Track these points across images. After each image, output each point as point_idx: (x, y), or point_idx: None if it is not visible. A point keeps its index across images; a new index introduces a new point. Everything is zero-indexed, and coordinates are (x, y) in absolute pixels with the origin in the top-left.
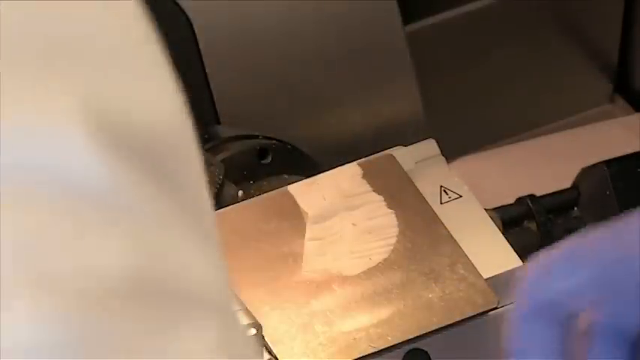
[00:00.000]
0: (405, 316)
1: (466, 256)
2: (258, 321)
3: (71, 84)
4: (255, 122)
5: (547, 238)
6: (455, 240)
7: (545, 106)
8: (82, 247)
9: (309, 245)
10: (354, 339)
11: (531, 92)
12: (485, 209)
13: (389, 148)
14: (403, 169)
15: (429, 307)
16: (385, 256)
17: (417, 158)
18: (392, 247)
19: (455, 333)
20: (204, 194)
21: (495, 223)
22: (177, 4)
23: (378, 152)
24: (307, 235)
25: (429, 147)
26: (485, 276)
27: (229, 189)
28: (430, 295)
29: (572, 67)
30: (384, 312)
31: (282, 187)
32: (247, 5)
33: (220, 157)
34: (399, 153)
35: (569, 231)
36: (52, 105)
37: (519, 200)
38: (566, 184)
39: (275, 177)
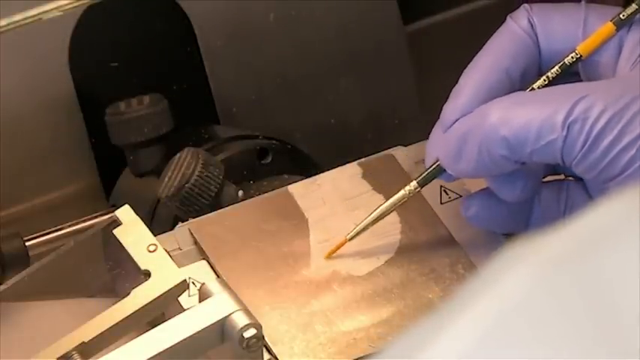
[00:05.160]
0: (405, 316)
1: (466, 256)
2: (258, 321)
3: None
4: (255, 122)
5: None
6: (455, 240)
7: None
8: None
9: (315, 247)
10: (354, 339)
11: None
12: None
13: (389, 148)
14: (403, 169)
15: (429, 307)
16: (392, 254)
17: (417, 158)
18: (397, 246)
19: None
20: None
21: None
22: (177, 4)
23: (378, 152)
24: (311, 236)
25: None
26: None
27: (229, 189)
28: (430, 295)
29: None
30: (384, 312)
31: (282, 187)
32: (247, 5)
33: (220, 157)
34: (399, 153)
35: None
36: None
37: None
38: None
39: (275, 177)
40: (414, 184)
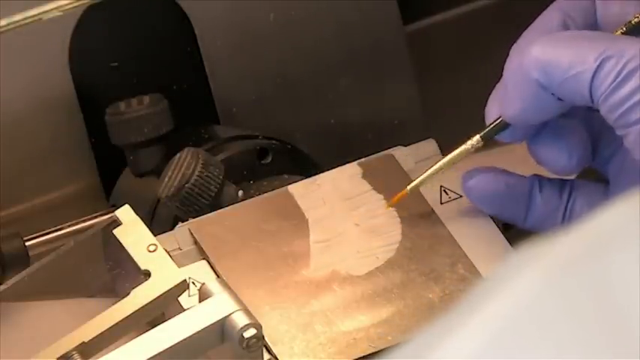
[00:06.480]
0: (405, 316)
1: (466, 256)
2: (258, 321)
3: None
4: (255, 122)
5: None
6: (455, 240)
7: None
8: None
9: (314, 246)
10: (354, 339)
11: None
12: None
13: (389, 148)
14: (403, 169)
15: (429, 307)
16: (391, 254)
17: (417, 158)
18: (397, 246)
19: None
20: None
21: (495, 223)
22: (177, 4)
23: (378, 152)
24: (312, 236)
25: (429, 147)
26: (485, 276)
27: (229, 189)
28: (430, 295)
29: None
30: (384, 312)
31: (282, 187)
32: (247, 6)
33: (220, 157)
34: (399, 153)
35: None
36: None
37: None
38: None
39: (275, 177)
40: (476, 138)
